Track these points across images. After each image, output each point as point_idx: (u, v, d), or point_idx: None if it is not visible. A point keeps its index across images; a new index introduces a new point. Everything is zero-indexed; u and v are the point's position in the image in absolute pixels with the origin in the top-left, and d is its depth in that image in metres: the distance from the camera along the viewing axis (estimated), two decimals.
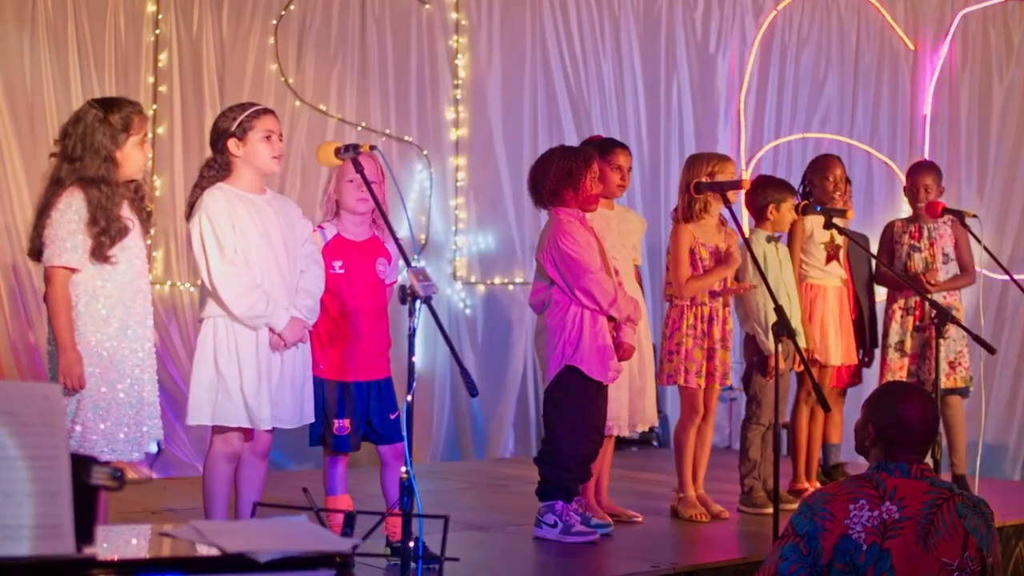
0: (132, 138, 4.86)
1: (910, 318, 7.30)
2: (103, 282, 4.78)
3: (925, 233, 7.38)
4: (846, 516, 3.53)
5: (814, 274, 7.12)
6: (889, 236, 7.52)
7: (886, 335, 7.40)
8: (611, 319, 5.88)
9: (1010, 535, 6.45)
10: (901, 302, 7.35)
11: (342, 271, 5.44)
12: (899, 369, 7.29)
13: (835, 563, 3.53)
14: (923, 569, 3.51)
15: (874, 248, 7.58)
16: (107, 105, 4.89)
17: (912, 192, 7.43)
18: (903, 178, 9.91)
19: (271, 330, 5.05)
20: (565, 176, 5.83)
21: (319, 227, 5.48)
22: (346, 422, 5.39)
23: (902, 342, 7.32)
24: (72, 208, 4.73)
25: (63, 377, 4.66)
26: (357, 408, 5.42)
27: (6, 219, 7.86)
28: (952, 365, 7.26)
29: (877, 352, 7.60)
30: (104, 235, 4.75)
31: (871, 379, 7.48)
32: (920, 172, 7.47)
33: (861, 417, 3.77)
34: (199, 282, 5.21)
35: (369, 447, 5.62)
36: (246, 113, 5.12)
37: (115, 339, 4.80)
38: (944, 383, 7.14)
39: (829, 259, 7.14)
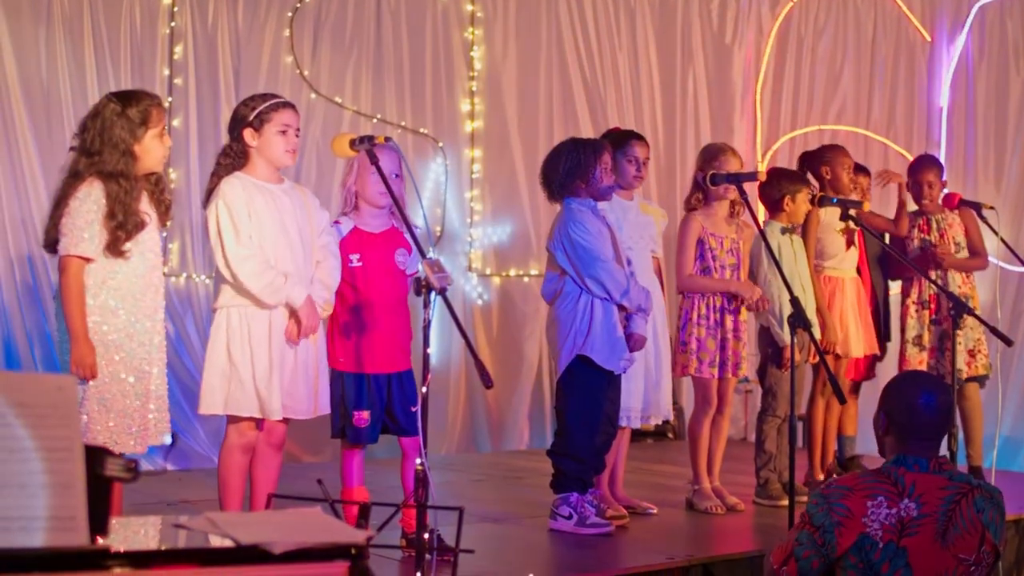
0: (151, 131, 4.86)
1: (926, 312, 7.28)
2: (113, 274, 4.78)
3: (934, 224, 7.37)
4: (864, 513, 3.50)
5: (831, 265, 7.11)
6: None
7: (903, 330, 7.38)
8: (623, 309, 5.88)
9: None
10: (914, 295, 7.34)
11: (360, 264, 5.44)
12: (918, 364, 7.28)
13: (849, 556, 3.51)
14: (939, 565, 3.50)
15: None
16: (125, 98, 4.88)
17: (915, 188, 7.42)
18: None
19: (290, 312, 5.05)
20: (575, 168, 5.84)
21: (335, 222, 5.48)
22: (365, 414, 5.39)
23: (920, 336, 7.30)
24: (91, 198, 4.72)
25: (75, 367, 4.65)
26: (377, 400, 5.42)
27: (22, 211, 7.88)
28: (972, 354, 7.26)
29: (891, 346, 7.58)
30: (121, 229, 4.74)
31: (886, 373, 7.45)
32: (921, 168, 7.48)
33: (877, 408, 3.75)
34: (214, 273, 5.21)
35: (387, 438, 5.62)
36: (266, 104, 5.13)
37: (123, 331, 4.79)
38: (966, 372, 7.15)
39: (848, 244, 7.13)
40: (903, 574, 3.48)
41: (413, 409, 5.40)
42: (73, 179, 4.79)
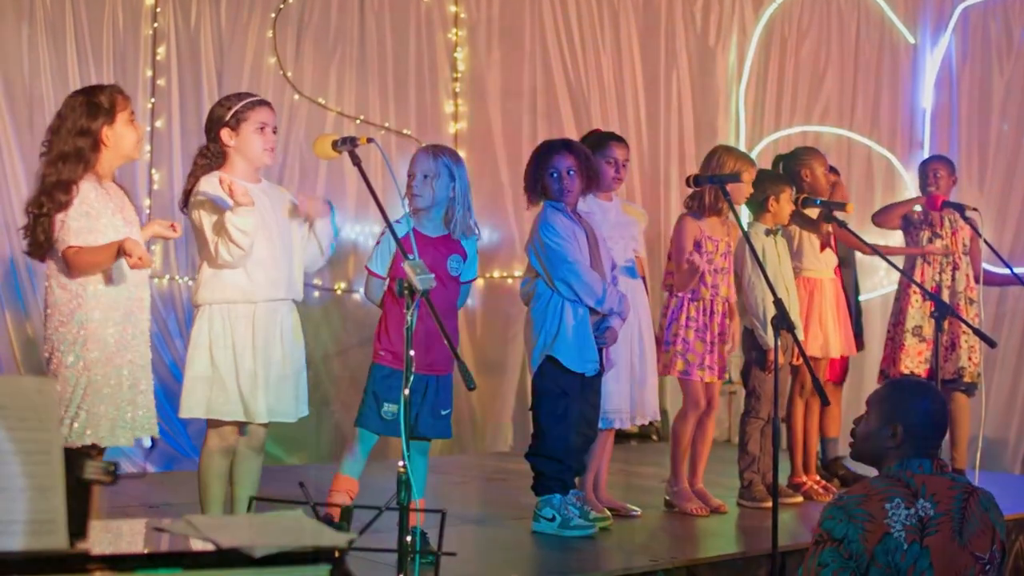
0: (120, 115, 4.87)
1: (927, 304, 7.25)
2: (116, 267, 4.75)
3: (947, 222, 7.40)
4: (885, 516, 3.48)
5: (809, 266, 7.11)
6: (907, 221, 7.54)
7: (903, 320, 7.36)
8: (596, 312, 5.86)
9: (1010, 529, 6.43)
10: (916, 286, 7.30)
11: None
12: (917, 355, 7.28)
13: (875, 563, 3.47)
14: (959, 564, 3.49)
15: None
16: (89, 90, 4.94)
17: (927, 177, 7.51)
18: (903, 172, 9.91)
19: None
20: (531, 173, 5.94)
21: (395, 221, 5.44)
22: (393, 407, 5.34)
23: (920, 327, 7.30)
24: (83, 204, 4.75)
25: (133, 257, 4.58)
26: (412, 400, 5.37)
27: (4, 213, 7.84)
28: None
29: (877, 340, 7.59)
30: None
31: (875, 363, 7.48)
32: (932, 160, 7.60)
33: (875, 420, 3.68)
34: (198, 273, 5.17)
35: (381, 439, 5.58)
36: (242, 103, 5.11)
37: (120, 325, 4.77)
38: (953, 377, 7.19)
39: (823, 247, 7.13)
40: None
41: (444, 412, 5.41)
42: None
